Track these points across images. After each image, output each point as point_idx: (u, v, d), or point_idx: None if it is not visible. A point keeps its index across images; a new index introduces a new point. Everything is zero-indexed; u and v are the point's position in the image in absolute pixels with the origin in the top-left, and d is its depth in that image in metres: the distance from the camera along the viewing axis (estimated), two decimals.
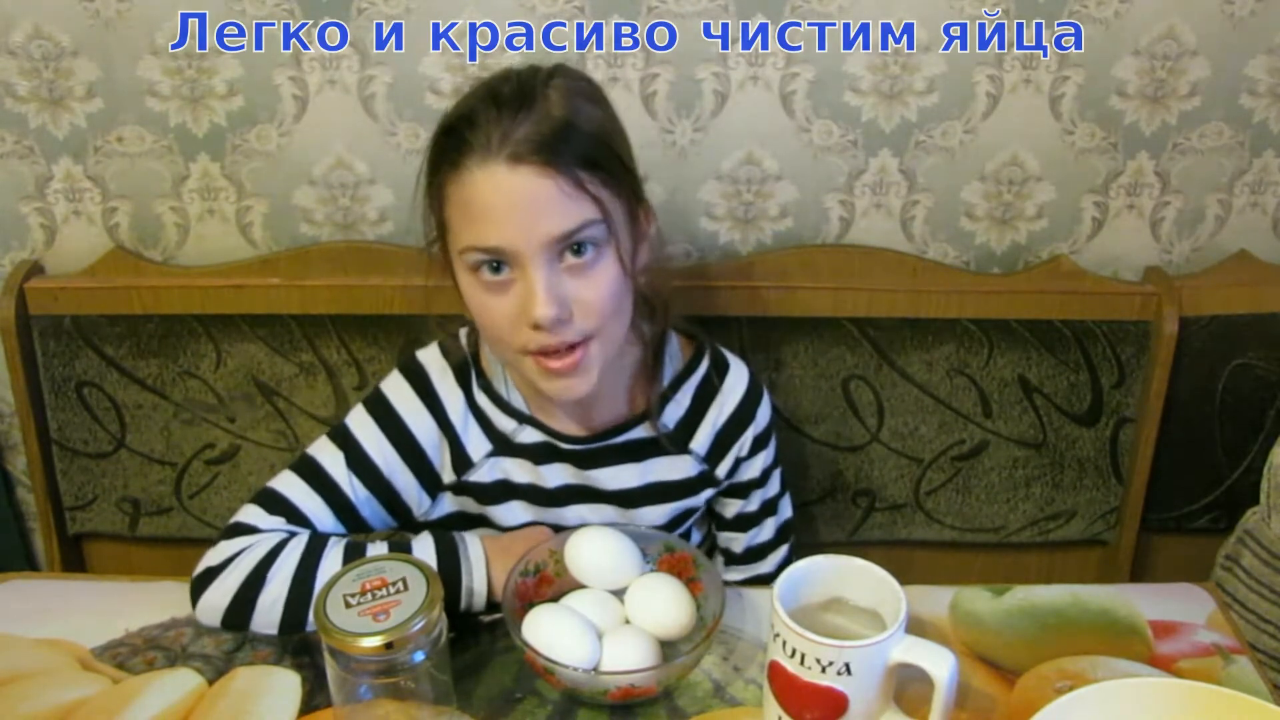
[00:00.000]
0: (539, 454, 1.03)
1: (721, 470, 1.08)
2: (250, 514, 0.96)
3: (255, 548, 0.92)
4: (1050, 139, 1.30)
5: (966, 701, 0.88)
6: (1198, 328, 1.33)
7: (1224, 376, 1.36)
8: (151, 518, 1.41)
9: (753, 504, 1.12)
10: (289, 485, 0.98)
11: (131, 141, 1.29)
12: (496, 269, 0.87)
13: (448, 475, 1.02)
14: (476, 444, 1.02)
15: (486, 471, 1.03)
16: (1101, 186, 1.33)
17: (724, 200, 1.32)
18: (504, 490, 1.03)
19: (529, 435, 1.02)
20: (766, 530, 1.14)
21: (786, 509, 1.16)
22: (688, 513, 1.09)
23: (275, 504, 0.96)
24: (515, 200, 0.84)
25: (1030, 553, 1.45)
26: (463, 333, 1.04)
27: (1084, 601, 0.98)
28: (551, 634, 0.86)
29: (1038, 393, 1.36)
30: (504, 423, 1.02)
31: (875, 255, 1.34)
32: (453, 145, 0.87)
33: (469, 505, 1.04)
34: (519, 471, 1.03)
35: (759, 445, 1.09)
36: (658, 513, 1.07)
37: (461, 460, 1.02)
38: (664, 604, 0.91)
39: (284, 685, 0.90)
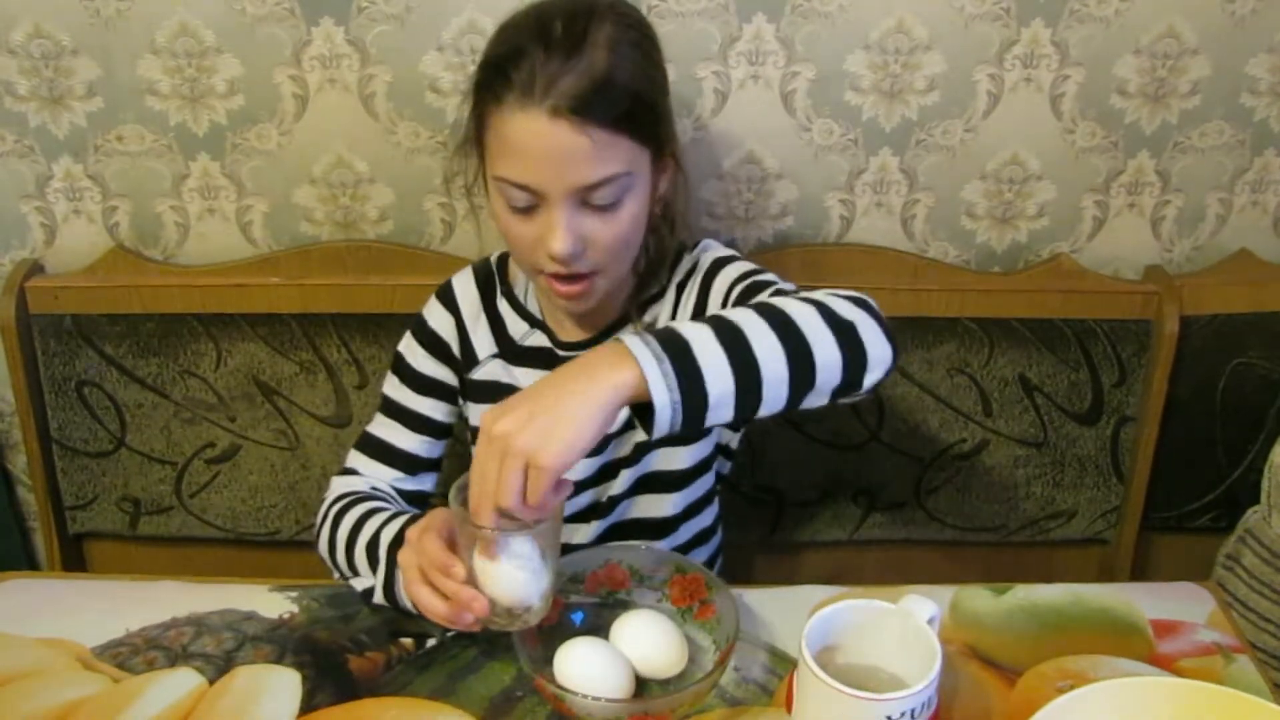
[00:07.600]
0: (543, 360, 1.07)
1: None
2: (353, 460, 1.09)
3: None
4: (1051, 138, 1.29)
5: (967, 701, 0.88)
6: (1198, 327, 1.33)
7: (1224, 376, 1.36)
8: (152, 517, 1.41)
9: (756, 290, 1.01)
10: (381, 428, 1.10)
11: (131, 140, 1.28)
12: (524, 201, 0.92)
13: (460, 373, 1.09)
14: (483, 343, 1.08)
15: (488, 371, 1.08)
16: (1102, 185, 1.33)
17: (724, 199, 1.32)
18: (506, 392, 1.04)
19: (537, 340, 1.07)
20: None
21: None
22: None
23: (372, 447, 1.09)
24: (548, 149, 0.88)
25: (1030, 552, 1.45)
26: (495, 253, 1.11)
27: (1085, 601, 0.98)
28: (581, 668, 0.85)
29: (1038, 392, 1.35)
30: (516, 326, 1.08)
31: (876, 254, 1.34)
32: (497, 78, 0.90)
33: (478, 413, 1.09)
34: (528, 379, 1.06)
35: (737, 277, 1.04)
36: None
37: (469, 358, 1.08)
38: (651, 646, 0.89)
39: (284, 685, 0.90)
